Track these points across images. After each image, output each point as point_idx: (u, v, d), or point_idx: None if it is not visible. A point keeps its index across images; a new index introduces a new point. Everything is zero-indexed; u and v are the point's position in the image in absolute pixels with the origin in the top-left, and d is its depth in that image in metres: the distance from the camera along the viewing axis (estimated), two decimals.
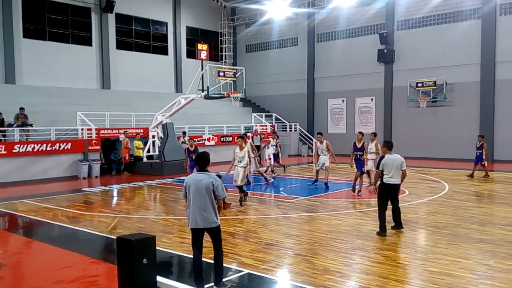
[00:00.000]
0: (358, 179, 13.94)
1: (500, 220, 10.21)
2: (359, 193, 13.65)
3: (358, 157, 13.90)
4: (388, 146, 9.47)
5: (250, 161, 13.17)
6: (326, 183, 15.04)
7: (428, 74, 25.60)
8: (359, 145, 13.94)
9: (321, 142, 15.42)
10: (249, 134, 21.11)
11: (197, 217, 6.01)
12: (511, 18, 23.32)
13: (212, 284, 6.28)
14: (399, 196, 9.45)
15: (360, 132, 14.60)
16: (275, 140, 19.28)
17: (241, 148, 12.62)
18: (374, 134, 14.88)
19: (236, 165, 12.63)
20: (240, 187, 12.51)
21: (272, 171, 18.90)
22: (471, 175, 17.35)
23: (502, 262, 7.18)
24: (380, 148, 13.33)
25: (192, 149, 15.69)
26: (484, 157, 16.93)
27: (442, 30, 25.48)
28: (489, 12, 23.65)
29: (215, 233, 6.16)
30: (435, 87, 25.37)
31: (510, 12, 23.45)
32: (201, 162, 6.22)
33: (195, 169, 13.34)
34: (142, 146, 21.05)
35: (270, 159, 18.96)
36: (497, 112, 23.85)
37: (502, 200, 12.89)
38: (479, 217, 10.60)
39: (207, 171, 6.19)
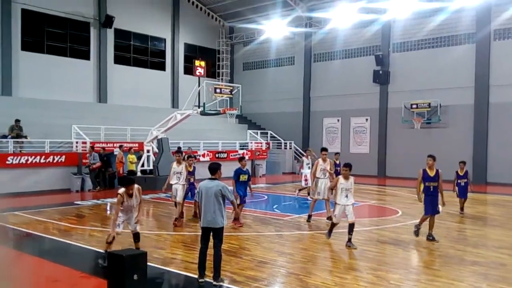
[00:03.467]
0: (428, 220, 10.35)
1: (493, 243, 10.22)
2: (432, 238, 10.17)
3: (431, 190, 10.22)
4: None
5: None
6: (329, 217, 11.54)
7: (423, 96, 25.86)
8: (431, 173, 10.34)
9: (325, 160, 12.46)
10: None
11: (206, 218, 6.97)
12: (505, 43, 23.70)
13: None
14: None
15: (431, 156, 10.48)
16: (309, 158, 16.59)
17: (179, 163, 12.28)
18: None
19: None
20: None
21: (309, 193, 14.48)
22: (462, 210, 14.19)
23: (495, 285, 7.16)
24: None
25: (190, 169, 12.72)
26: (470, 187, 14.23)
27: (437, 53, 25.82)
28: (483, 37, 24.02)
29: (218, 233, 7.02)
30: (430, 109, 25.60)
31: (504, 37, 23.84)
32: (212, 170, 7.18)
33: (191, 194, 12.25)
34: (135, 160, 20.97)
35: (306, 180, 16.30)
36: (491, 135, 24.04)
37: (495, 222, 12.90)
38: (472, 239, 10.62)
39: (217, 178, 7.12)
